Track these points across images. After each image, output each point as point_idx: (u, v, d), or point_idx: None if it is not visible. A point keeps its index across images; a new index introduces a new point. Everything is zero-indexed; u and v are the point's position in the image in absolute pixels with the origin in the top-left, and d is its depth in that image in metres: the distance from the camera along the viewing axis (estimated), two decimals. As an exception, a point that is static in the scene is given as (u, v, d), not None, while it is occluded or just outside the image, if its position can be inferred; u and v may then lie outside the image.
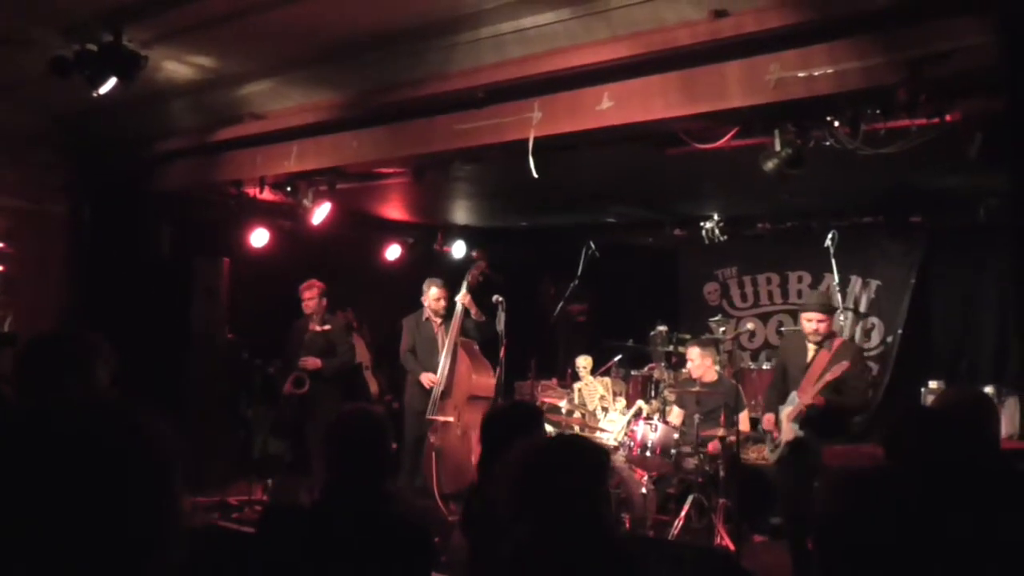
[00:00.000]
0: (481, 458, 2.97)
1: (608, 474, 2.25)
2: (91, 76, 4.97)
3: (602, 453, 2.32)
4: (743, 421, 6.73)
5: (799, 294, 8.84)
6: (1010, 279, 5.78)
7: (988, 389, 6.95)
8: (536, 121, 4.97)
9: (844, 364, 5.31)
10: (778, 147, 4.50)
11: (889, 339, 8.26)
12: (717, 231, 8.29)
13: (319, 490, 2.60)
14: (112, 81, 4.99)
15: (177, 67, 5.61)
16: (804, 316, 5.81)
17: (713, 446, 6.21)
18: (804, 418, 5.43)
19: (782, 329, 8.63)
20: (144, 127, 6.79)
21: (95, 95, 5.02)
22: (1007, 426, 6.78)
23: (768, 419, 5.82)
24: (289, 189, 6.82)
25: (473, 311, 7.07)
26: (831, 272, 7.78)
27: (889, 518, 1.67)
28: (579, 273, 8.53)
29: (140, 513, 1.09)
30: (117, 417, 1.10)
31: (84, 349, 2.50)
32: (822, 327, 5.66)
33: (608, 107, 4.70)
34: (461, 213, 9.31)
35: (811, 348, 5.68)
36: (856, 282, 8.44)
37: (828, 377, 5.36)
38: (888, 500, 1.70)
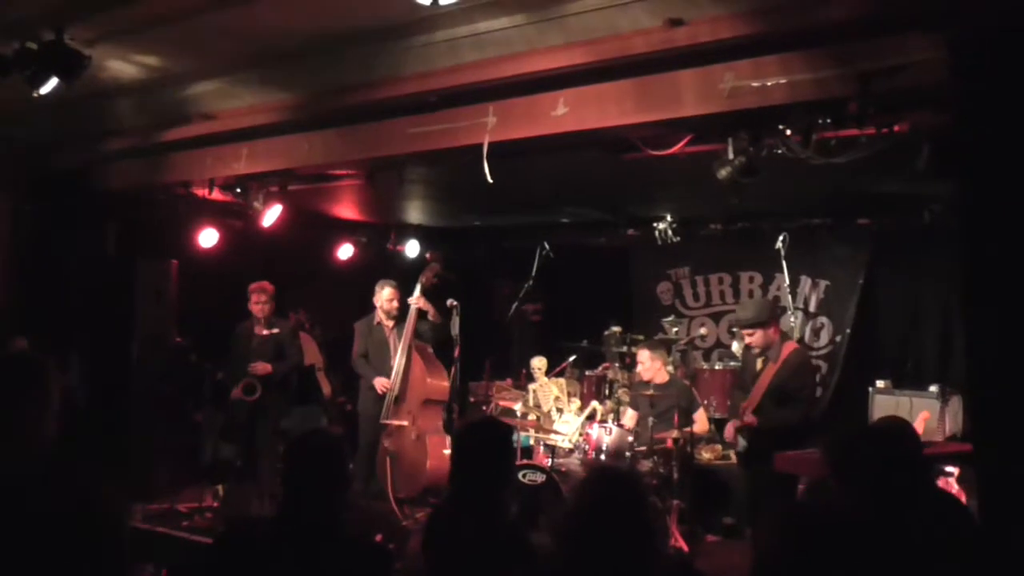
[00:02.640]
0: (453, 475, 2.93)
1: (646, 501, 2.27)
2: (31, 76, 4.81)
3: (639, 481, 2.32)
4: (701, 420, 6.78)
5: (750, 294, 8.96)
6: (957, 285, 5.94)
7: (932, 389, 7.13)
8: (491, 126, 4.94)
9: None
10: (731, 155, 4.53)
11: (838, 338, 8.42)
12: (670, 232, 8.35)
13: (272, 505, 2.57)
14: (54, 81, 4.84)
15: (123, 66, 5.46)
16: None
17: (750, 419, 6.11)
18: (748, 435, 5.55)
19: (734, 329, 8.72)
20: (90, 125, 6.61)
21: (36, 95, 4.87)
22: (950, 425, 6.95)
23: (729, 429, 5.91)
24: (239, 190, 6.70)
25: (430, 312, 7.01)
26: (782, 272, 7.87)
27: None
28: (533, 274, 8.54)
29: None
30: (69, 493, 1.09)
31: (32, 372, 2.41)
32: (754, 339, 5.78)
33: (563, 113, 4.69)
34: (415, 213, 9.26)
35: (759, 360, 5.78)
36: (806, 282, 8.57)
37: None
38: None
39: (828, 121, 4.27)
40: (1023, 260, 3.39)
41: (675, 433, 6.14)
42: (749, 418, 5.58)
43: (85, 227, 7.41)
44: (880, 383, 7.49)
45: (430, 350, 7.09)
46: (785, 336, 6.05)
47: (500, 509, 2.85)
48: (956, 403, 6.93)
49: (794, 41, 3.99)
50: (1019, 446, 3.31)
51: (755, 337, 5.77)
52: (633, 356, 7.60)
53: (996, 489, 3.37)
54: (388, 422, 6.78)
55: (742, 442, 5.78)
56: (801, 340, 7.74)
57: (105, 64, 5.33)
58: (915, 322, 8.13)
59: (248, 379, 6.89)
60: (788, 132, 4.38)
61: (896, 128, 4.28)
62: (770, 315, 5.98)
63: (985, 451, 3.61)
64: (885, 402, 7.32)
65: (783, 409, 5.59)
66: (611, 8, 4.16)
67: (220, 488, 6.91)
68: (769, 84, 4.08)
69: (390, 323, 7.14)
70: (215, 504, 6.73)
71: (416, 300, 6.94)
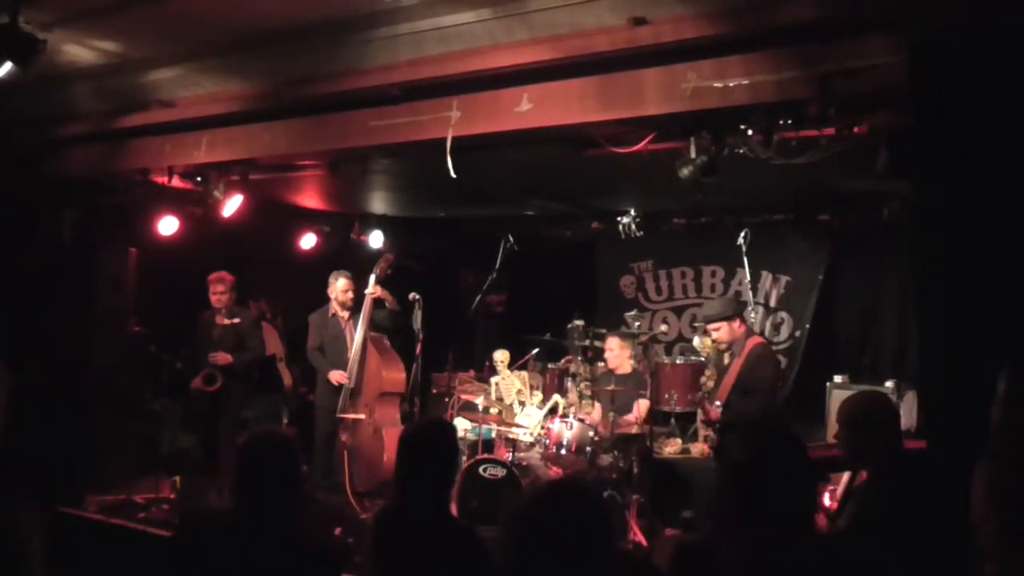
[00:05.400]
0: (396, 479, 2.93)
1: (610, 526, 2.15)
2: (-15, 59, 4.72)
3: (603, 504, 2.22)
4: (642, 408, 6.79)
5: (712, 288, 9.04)
6: (912, 282, 6.07)
7: (888, 384, 7.24)
8: (454, 120, 4.91)
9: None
10: (693, 154, 4.55)
11: (797, 333, 8.51)
12: (633, 226, 8.38)
13: (228, 495, 2.53)
14: (7, 65, 4.73)
15: (79, 51, 5.36)
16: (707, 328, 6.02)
17: (715, 413, 5.94)
18: (718, 428, 5.65)
19: (696, 324, 8.79)
20: (45, 109, 6.47)
21: (-10, 79, 4.77)
22: (905, 420, 7.05)
23: (713, 412, 6.01)
24: (199, 179, 6.60)
25: (388, 300, 6.98)
26: (743, 267, 7.94)
27: None
28: (497, 266, 8.52)
29: None
30: None
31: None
32: (720, 335, 5.88)
33: (527, 109, 4.67)
34: (379, 203, 9.19)
35: (726, 356, 5.88)
36: (767, 277, 8.65)
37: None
38: None
39: (789, 122, 4.31)
40: (975, 259, 3.45)
41: (635, 428, 6.19)
42: (714, 412, 5.71)
43: (41, 214, 7.25)
44: (838, 378, 7.58)
45: (386, 341, 7.07)
46: (750, 332, 6.12)
47: (445, 510, 2.85)
48: (911, 398, 7.03)
49: (756, 42, 4.01)
50: (970, 441, 3.37)
51: (720, 332, 5.87)
52: (596, 350, 7.65)
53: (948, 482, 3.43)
54: (345, 416, 6.74)
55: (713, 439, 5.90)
56: (761, 335, 7.81)
57: (61, 48, 5.22)
58: (873, 318, 8.25)
59: (208, 369, 6.84)
60: (750, 132, 4.40)
61: (856, 129, 4.31)
62: (734, 311, 6.08)
63: (938, 447, 3.67)
64: (842, 397, 7.34)
65: (745, 401, 5.69)
66: (575, 5, 4.15)
67: (178, 479, 6.85)
68: (731, 85, 4.09)
69: (345, 315, 7.09)
70: (172, 495, 6.67)
71: (371, 291, 6.91)
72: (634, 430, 6.22)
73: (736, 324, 5.90)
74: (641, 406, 6.77)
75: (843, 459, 3.51)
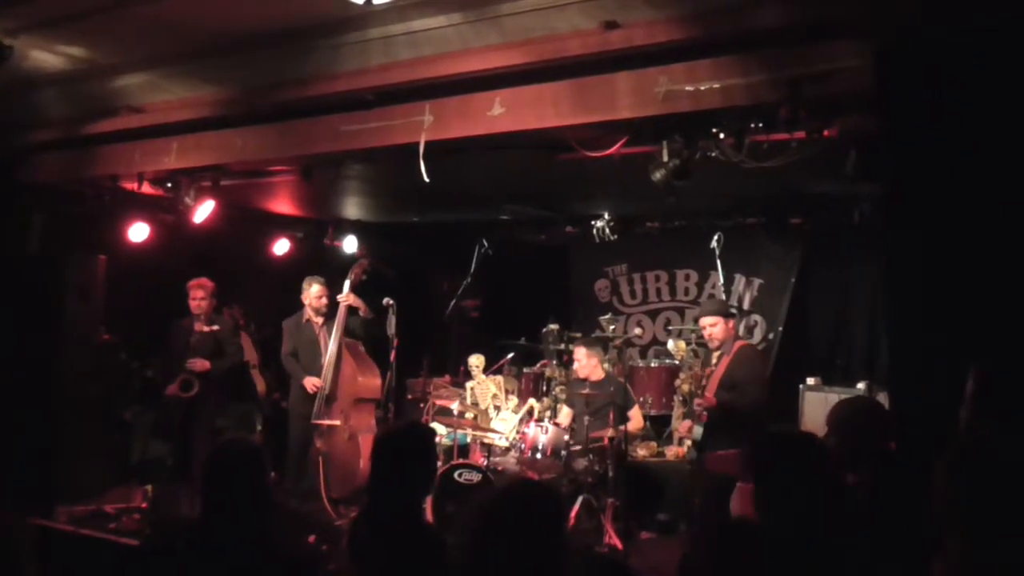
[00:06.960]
0: (371, 481, 2.91)
1: (563, 522, 2.15)
2: (-50, 66, 4.67)
3: (555, 501, 2.23)
4: (636, 417, 6.87)
5: (686, 291, 9.08)
6: (882, 284, 6.11)
7: (860, 386, 7.30)
8: (427, 125, 4.91)
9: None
10: (666, 158, 4.58)
11: (771, 336, 8.56)
12: (607, 230, 8.40)
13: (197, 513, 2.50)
14: (-27, 72, 4.70)
15: (46, 56, 5.30)
16: (700, 323, 6.05)
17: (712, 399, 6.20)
18: (705, 422, 5.68)
19: (670, 328, 8.83)
20: (14, 116, 6.40)
21: (-46, 86, 4.71)
22: (877, 421, 7.12)
23: (684, 426, 6.04)
24: (170, 185, 6.54)
25: (362, 309, 6.95)
26: (716, 271, 7.98)
27: None
28: (472, 270, 8.53)
29: None
30: None
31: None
32: (714, 332, 5.91)
33: (500, 113, 4.68)
34: (352, 208, 9.15)
35: (715, 354, 5.92)
36: (740, 280, 8.71)
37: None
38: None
39: (760, 125, 4.35)
40: (945, 260, 3.49)
41: (610, 432, 6.19)
42: (710, 398, 5.77)
43: (9, 220, 7.16)
44: (810, 380, 7.64)
45: (362, 348, 7.04)
46: (738, 336, 6.21)
47: (420, 516, 2.83)
48: (882, 400, 7.09)
49: (727, 46, 4.04)
50: (939, 442, 3.40)
51: (716, 328, 5.92)
52: (571, 354, 7.65)
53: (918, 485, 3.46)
54: (320, 422, 6.70)
55: (698, 429, 5.89)
56: (752, 345, 7.86)
57: (28, 54, 5.16)
58: (845, 320, 8.30)
59: (185, 375, 6.75)
60: (721, 136, 4.44)
61: (826, 133, 4.36)
62: (728, 311, 6.23)
63: (907, 447, 3.71)
64: (815, 399, 7.47)
65: (729, 395, 5.77)
66: (547, 9, 4.16)
67: (150, 488, 6.75)
68: (702, 88, 4.12)
69: (319, 320, 7.06)
70: (144, 505, 6.57)
71: (345, 297, 6.87)
72: (609, 433, 6.21)
73: (730, 324, 6.02)
74: (635, 416, 6.81)
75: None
